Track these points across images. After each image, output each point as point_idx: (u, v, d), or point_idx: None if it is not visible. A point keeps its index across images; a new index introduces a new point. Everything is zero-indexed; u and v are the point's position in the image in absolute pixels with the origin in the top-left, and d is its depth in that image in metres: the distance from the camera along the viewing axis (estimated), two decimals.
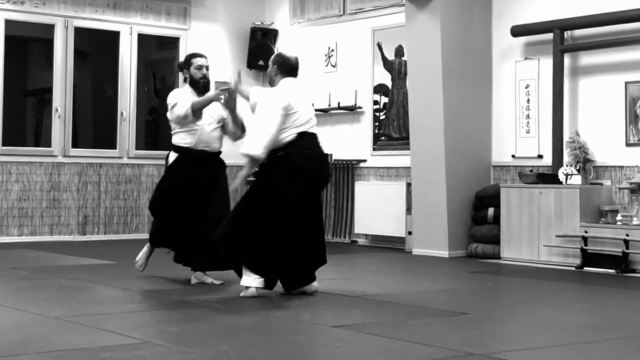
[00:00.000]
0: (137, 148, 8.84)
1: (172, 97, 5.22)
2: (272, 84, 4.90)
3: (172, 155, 5.31)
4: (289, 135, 4.67)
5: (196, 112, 5.10)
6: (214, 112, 5.23)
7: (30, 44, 9.92)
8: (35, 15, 8.34)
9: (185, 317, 4.21)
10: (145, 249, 5.51)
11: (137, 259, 5.53)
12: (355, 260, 7.23)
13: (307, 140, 4.71)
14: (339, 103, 8.64)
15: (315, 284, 4.83)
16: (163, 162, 9.07)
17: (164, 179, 5.42)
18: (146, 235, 8.95)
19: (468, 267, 6.59)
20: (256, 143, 4.59)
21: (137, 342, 3.49)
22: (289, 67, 4.87)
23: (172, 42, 9.21)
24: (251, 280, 4.67)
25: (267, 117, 4.62)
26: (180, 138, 5.24)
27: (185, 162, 5.23)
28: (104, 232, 8.60)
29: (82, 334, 3.70)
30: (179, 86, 9.17)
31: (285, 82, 4.83)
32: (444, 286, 5.61)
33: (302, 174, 4.65)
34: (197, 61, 5.25)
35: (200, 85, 5.24)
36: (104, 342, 3.50)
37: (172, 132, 5.31)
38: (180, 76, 9.00)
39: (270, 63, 4.90)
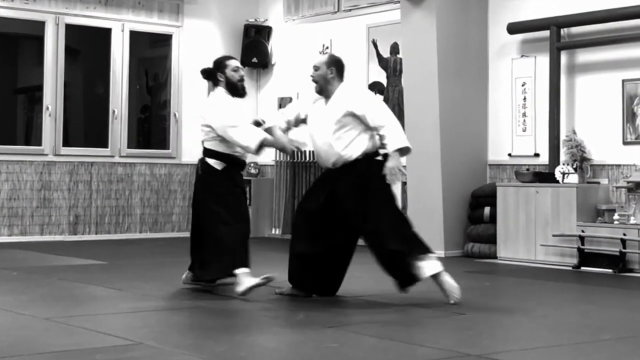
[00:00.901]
0: (129, 147, 8.82)
1: (228, 113, 4.81)
2: (324, 87, 4.68)
3: (216, 163, 4.89)
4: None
5: (259, 150, 4.78)
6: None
7: (21, 41, 9.87)
8: (26, 12, 8.32)
9: (179, 318, 4.21)
10: (254, 279, 4.76)
11: (253, 285, 4.77)
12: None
13: None
14: None
15: None
16: (161, 160, 9.13)
17: (226, 189, 4.88)
18: (138, 235, 9.02)
19: (464, 266, 6.58)
20: (402, 136, 4.60)
21: (130, 344, 3.48)
22: (343, 70, 4.76)
23: (164, 40, 9.20)
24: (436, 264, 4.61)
25: (391, 114, 4.67)
26: (229, 146, 4.86)
27: (234, 171, 4.96)
28: (95, 232, 8.58)
29: (73, 335, 3.68)
30: (170, 84, 9.19)
31: (351, 86, 4.77)
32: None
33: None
34: (233, 63, 4.98)
35: (239, 88, 4.97)
36: (95, 344, 3.50)
37: (208, 138, 4.89)
38: (172, 76, 9.07)
39: (323, 65, 4.66)
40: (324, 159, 4.72)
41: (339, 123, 4.62)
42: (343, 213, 4.65)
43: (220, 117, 4.83)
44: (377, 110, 4.63)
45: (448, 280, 4.62)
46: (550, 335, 3.89)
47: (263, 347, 3.57)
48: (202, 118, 4.97)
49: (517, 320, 4.29)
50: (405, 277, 4.60)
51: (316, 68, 4.71)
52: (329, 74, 4.68)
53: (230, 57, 5.09)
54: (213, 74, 5.01)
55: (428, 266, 4.57)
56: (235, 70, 4.98)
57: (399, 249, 4.55)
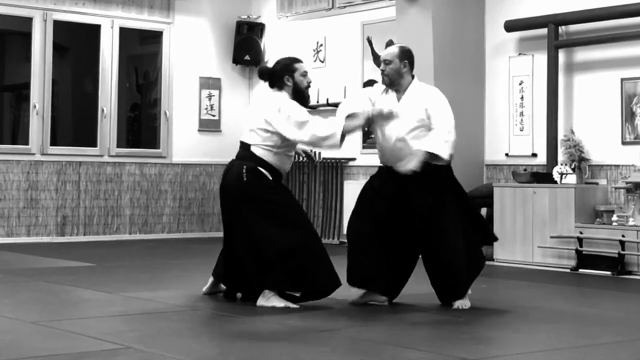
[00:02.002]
0: (118, 146, 8.79)
1: (296, 109, 4.49)
2: (396, 82, 4.56)
3: (265, 172, 4.55)
4: None
5: (343, 141, 4.47)
6: None
7: (7, 37, 9.85)
8: (13, 8, 8.28)
9: (168, 322, 4.19)
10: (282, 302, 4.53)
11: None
12: (344, 262, 7.21)
13: None
14: (327, 99, 8.62)
15: None
16: (151, 160, 9.10)
17: (282, 196, 4.59)
18: (127, 237, 8.99)
19: None
20: (444, 144, 4.49)
21: (118, 348, 3.47)
22: (414, 63, 4.63)
23: (155, 36, 9.17)
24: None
25: (452, 121, 4.53)
26: (280, 161, 4.58)
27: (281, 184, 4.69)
28: (83, 233, 8.55)
29: (59, 339, 3.67)
30: (160, 82, 9.15)
31: (423, 83, 4.64)
32: None
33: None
34: (302, 67, 4.64)
35: (306, 95, 4.65)
36: (82, 348, 3.48)
37: (262, 145, 4.54)
38: (162, 73, 9.05)
39: (396, 58, 4.53)
40: (393, 157, 4.56)
41: (421, 122, 4.54)
42: (412, 214, 4.54)
43: (292, 121, 4.47)
44: (441, 113, 4.54)
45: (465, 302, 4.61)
46: (548, 338, 3.89)
47: (252, 351, 3.56)
48: (265, 123, 4.53)
49: (514, 324, 4.28)
50: (446, 297, 4.63)
51: (388, 62, 4.55)
52: (403, 68, 4.56)
53: (299, 60, 4.70)
54: (279, 77, 4.62)
55: (463, 303, 4.58)
56: (304, 75, 4.64)
57: (455, 282, 4.56)
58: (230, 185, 4.59)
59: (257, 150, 4.56)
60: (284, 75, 4.61)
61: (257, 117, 4.59)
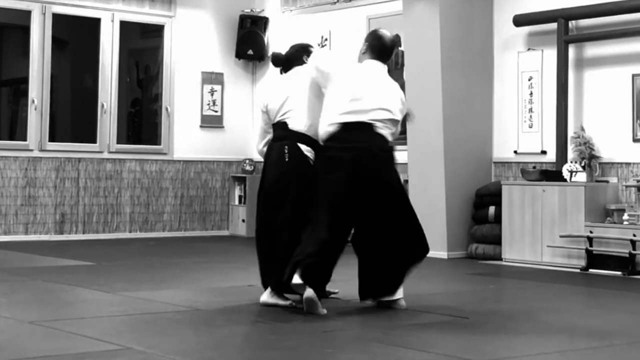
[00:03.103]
0: (118, 142, 8.80)
1: (324, 58, 4.60)
2: (358, 61, 4.66)
3: (308, 151, 4.48)
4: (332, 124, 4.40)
5: None
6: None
7: (5, 31, 9.86)
8: (11, 1, 8.29)
9: (168, 322, 4.19)
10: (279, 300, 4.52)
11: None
12: (348, 261, 7.20)
13: (353, 132, 4.41)
14: None
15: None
16: (152, 157, 9.11)
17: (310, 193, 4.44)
18: (127, 235, 9.00)
19: (468, 268, 6.59)
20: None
21: (117, 349, 3.48)
22: (378, 49, 4.57)
23: (156, 30, 9.18)
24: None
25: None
26: (316, 132, 4.48)
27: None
28: (82, 231, 8.56)
29: (57, 339, 3.67)
30: (162, 77, 9.15)
31: (364, 64, 4.54)
32: (442, 289, 5.61)
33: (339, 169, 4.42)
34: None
35: None
36: (81, 349, 3.48)
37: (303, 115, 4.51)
38: (164, 68, 9.05)
39: (364, 39, 4.65)
40: None
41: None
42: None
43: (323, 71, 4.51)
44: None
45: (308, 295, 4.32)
46: (556, 340, 3.88)
47: (255, 352, 3.56)
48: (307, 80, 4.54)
49: (522, 325, 4.28)
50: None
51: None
52: (363, 50, 4.61)
53: (312, 45, 4.88)
54: (297, 57, 4.67)
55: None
56: None
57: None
58: (272, 168, 4.52)
59: (295, 125, 4.49)
60: (301, 56, 4.67)
61: (291, 90, 4.55)
